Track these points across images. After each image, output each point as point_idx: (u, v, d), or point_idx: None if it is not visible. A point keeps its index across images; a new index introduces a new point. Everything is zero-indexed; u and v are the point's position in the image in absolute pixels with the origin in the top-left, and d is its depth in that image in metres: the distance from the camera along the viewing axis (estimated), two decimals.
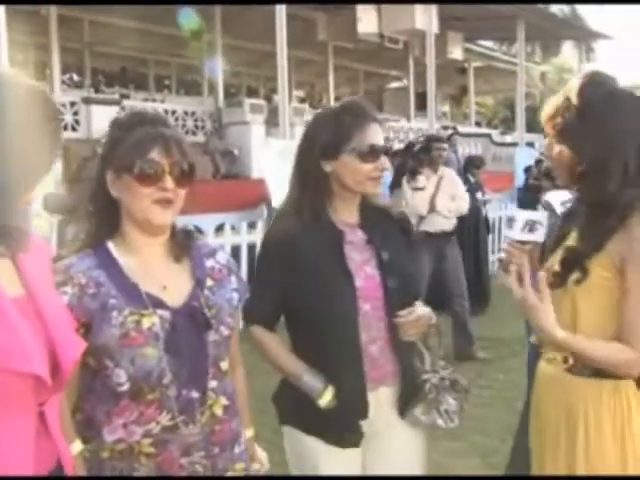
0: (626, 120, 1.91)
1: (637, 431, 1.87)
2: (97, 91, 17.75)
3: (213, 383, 1.84)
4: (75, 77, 23.36)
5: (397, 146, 16.15)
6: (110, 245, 1.83)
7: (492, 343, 6.97)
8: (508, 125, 28.27)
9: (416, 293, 2.30)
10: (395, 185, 8.44)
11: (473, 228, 9.03)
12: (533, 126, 21.16)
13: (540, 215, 2.02)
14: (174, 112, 14.87)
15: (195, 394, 1.80)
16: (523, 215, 2.02)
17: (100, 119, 13.02)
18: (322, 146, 2.18)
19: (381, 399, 2.22)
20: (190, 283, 1.86)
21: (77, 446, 1.69)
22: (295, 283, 2.15)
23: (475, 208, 9.19)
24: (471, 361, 6.49)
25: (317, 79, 24.63)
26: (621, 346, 1.85)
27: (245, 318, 2.25)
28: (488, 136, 21.11)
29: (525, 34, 18.48)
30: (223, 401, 1.86)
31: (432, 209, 6.80)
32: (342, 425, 2.16)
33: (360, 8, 15.11)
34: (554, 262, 1.99)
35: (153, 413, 1.76)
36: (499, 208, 12.25)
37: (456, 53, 19.57)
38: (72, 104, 13.04)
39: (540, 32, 19.48)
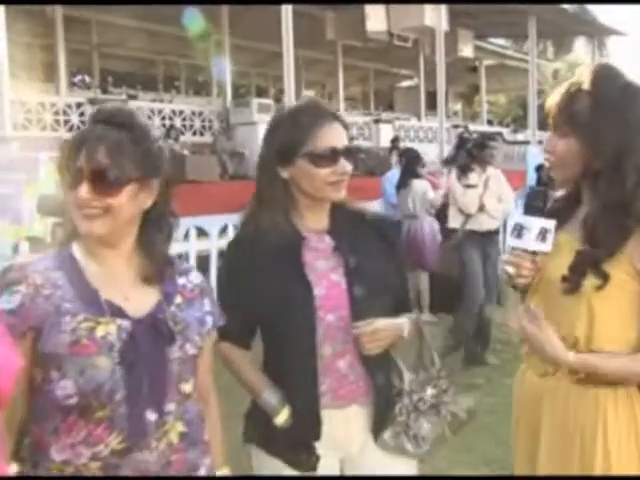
0: None
1: None
2: (105, 92, 17.68)
3: (171, 406, 1.66)
4: (87, 79, 23.38)
5: (407, 144, 16.13)
6: (74, 248, 1.69)
7: (503, 347, 6.78)
8: (520, 123, 28.03)
9: (394, 302, 2.10)
10: (402, 184, 8.29)
11: None
12: (545, 124, 20.94)
13: (551, 223, 1.83)
14: (181, 112, 14.82)
15: (151, 416, 1.62)
16: (537, 223, 1.83)
17: None
18: (277, 151, 2.02)
19: (352, 419, 2.05)
20: (157, 296, 1.70)
21: (12, 469, 1.54)
22: (256, 294, 2.00)
23: None
24: (482, 366, 6.34)
25: (327, 78, 24.51)
26: (633, 356, 1.76)
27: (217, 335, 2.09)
28: (500, 134, 20.92)
29: (537, 30, 18.28)
30: (180, 427, 1.68)
31: (481, 208, 6.61)
32: (296, 446, 2.01)
33: (368, 6, 14.95)
34: (555, 268, 1.84)
35: (102, 433, 1.58)
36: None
37: (467, 51, 19.42)
38: (78, 105, 12.98)
39: (552, 28, 19.27)
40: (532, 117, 18.65)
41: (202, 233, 7.97)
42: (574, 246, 1.81)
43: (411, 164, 8.39)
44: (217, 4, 15.13)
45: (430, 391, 2.05)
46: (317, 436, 1.99)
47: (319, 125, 1.98)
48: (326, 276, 2.02)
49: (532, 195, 1.89)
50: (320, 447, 2.00)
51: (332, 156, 1.98)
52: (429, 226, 8.21)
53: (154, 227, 1.72)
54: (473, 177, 6.64)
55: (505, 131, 22.67)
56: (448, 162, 8.01)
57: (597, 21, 20.14)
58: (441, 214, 7.60)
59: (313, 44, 19.15)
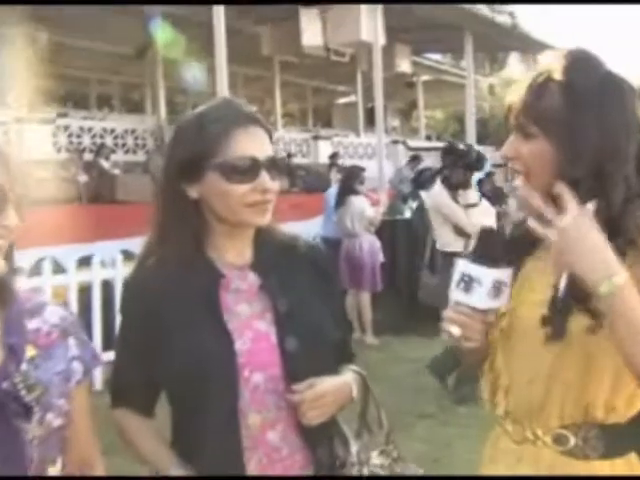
0: (626, 110, 1.42)
1: None
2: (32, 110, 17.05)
3: None
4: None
5: (346, 161, 15.94)
6: None
7: None
8: (458, 138, 28.18)
9: (335, 352, 1.69)
10: (340, 202, 7.99)
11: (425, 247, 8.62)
12: (483, 139, 21.04)
13: (507, 273, 1.43)
14: (113, 130, 14.38)
15: None
16: (490, 274, 1.40)
17: (33, 139, 12.52)
18: (181, 163, 1.58)
19: None
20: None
21: None
22: (160, 350, 1.57)
23: (426, 226, 8.77)
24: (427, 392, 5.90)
25: (265, 95, 24.27)
26: None
27: (111, 399, 1.70)
28: (439, 149, 20.94)
29: (472, 46, 18.31)
30: None
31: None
32: None
33: (304, 20, 14.72)
34: (529, 308, 1.47)
35: None
36: None
37: (404, 66, 19.35)
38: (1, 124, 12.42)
39: (487, 43, 19.32)
40: (470, 132, 18.62)
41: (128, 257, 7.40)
42: (549, 277, 1.44)
43: (349, 181, 8.10)
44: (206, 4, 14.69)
45: (377, 460, 1.66)
46: None
47: (232, 129, 1.56)
48: (250, 325, 1.59)
49: (484, 236, 1.46)
50: None
51: (250, 169, 1.55)
52: (369, 244, 7.93)
53: None
54: (472, 195, 6.14)
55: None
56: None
57: (530, 36, 20.29)
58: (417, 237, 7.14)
59: (249, 61, 18.89)
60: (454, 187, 6.02)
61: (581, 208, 1.33)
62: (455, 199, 6.00)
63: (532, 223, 1.37)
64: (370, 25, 14.38)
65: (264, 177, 1.56)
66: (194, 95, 24.70)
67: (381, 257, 8.02)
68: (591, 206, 1.35)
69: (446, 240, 6.04)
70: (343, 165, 13.39)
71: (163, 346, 1.55)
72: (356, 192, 7.95)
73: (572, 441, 1.43)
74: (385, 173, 13.94)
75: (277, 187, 1.59)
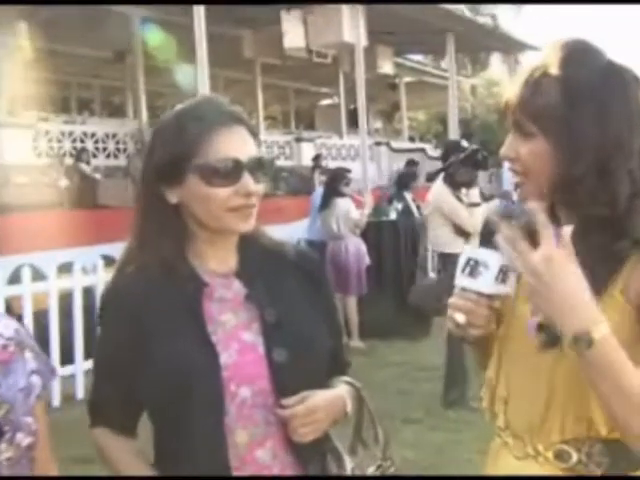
0: (629, 102, 1.33)
1: None
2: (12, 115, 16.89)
3: None
4: None
5: (330, 163, 15.87)
6: None
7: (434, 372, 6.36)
8: (441, 139, 28.20)
9: (328, 364, 1.59)
10: (325, 204, 7.91)
11: (411, 247, 8.56)
12: (466, 139, 21.04)
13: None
14: (94, 134, 14.24)
15: None
16: (498, 258, 1.34)
17: (12, 144, 12.37)
18: (160, 167, 1.48)
19: None
20: None
21: None
22: (140, 364, 1.46)
23: (412, 227, 8.72)
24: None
25: (247, 98, 24.17)
26: None
27: (90, 417, 1.61)
28: (422, 150, 20.95)
29: (455, 47, 18.31)
30: None
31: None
32: None
33: (286, 22, 14.63)
34: (521, 308, 1.38)
35: None
36: None
37: (386, 68, 19.33)
38: None
39: (468, 44, 19.35)
40: (453, 133, 18.61)
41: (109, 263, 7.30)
42: None
43: (333, 183, 8.02)
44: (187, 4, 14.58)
45: (380, 469, 1.58)
46: None
47: (213, 129, 1.45)
48: (236, 336, 1.49)
49: (490, 225, 1.44)
50: None
51: (232, 171, 1.44)
52: (354, 247, 7.86)
53: None
54: (476, 195, 5.98)
55: (427, 147, 22.72)
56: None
57: (511, 36, 20.35)
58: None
59: (231, 63, 18.78)
60: (458, 185, 5.84)
61: (561, 240, 1.22)
62: (458, 198, 5.83)
63: (506, 248, 1.27)
64: (352, 26, 14.33)
65: (247, 180, 1.45)
66: (175, 98, 24.69)
67: (367, 260, 7.94)
68: (569, 230, 1.24)
69: (445, 240, 5.81)
70: (327, 167, 13.34)
71: (143, 360, 1.45)
72: (341, 194, 7.88)
73: (575, 457, 1.34)
74: (369, 175, 13.89)
75: (262, 190, 1.49)
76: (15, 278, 6.35)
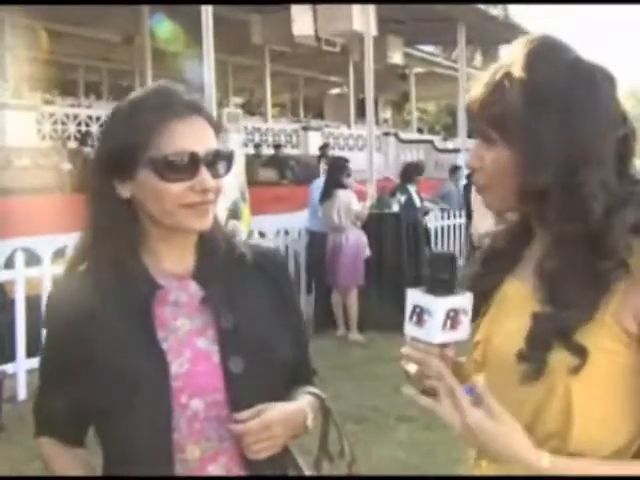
0: (599, 103, 1.19)
1: None
2: (18, 96, 16.85)
3: None
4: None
5: (337, 152, 15.74)
6: None
7: None
8: (450, 131, 28.03)
9: (290, 374, 1.47)
10: (326, 195, 7.79)
11: (413, 240, 8.46)
12: (475, 132, 20.88)
13: (465, 300, 1.21)
14: (99, 119, 14.13)
15: None
16: (442, 304, 1.18)
17: (16, 125, 12.31)
18: (111, 159, 1.36)
19: None
20: None
21: None
22: (86, 372, 1.35)
23: (414, 219, 8.62)
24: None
25: (256, 85, 24.04)
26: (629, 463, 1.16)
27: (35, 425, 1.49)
28: (430, 142, 20.83)
29: (465, 38, 18.12)
30: None
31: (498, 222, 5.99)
32: None
33: (295, 9, 14.49)
34: (505, 339, 1.25)
35: None
36: (442, 217, 11.77)
37: (396, 58, 19.18)
38: None
39: (480, 35, 19.14)
40: (462, 125, 18.45)
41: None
42: (529, 302, 1.22)
43: (335, 173, 7.89)
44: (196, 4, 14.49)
45: None
46: None
47: (168, 119, 1.33)
48: (190, 343, 1.37)
49: (434, 263, 1.21)
50: None
51: (188, 165, 1.33)
52: (354, 238, 7.74)
53: None
54: None
55: (436, 139, 22.60)
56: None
57: (522, 28, 20.14)
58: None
59: (240, 50, 18.66)
60: None
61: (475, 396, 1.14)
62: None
63: (429, 404, 1.18)
64: (362, 15, 14.16)
65: (204, 175, 1.33)
66: (182, 83, 24.64)
67: (367, 251, 7.83)
68: (481, 379, 1.15)
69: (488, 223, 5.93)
70: (332, 157, 13.22)
71: (89, 367, 1.33)
72: (343, 185, 7.75)
73: None
74: (375, 165, 13.78)
75: (220, 186, 1.37)
76: (11, 262, 6.27)
